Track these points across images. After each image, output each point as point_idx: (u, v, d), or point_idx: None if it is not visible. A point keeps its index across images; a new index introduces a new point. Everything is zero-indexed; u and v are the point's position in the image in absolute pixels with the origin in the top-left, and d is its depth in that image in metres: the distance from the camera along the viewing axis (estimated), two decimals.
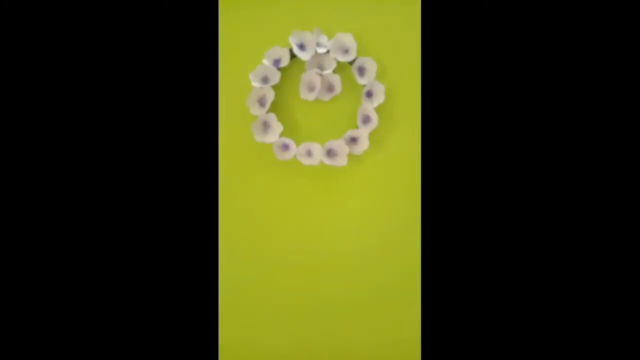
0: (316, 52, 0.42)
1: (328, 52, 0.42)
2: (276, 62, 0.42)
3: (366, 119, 0.42)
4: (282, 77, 0.43)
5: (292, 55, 0.42)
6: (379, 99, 0.42)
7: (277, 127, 0.42)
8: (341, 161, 0.43)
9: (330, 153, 0.43)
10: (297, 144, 0.43)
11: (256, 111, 0.42)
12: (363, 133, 0.42)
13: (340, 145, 0.42)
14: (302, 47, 0.42)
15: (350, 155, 0.43)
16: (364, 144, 0.43)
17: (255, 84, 0.42)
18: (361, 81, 0.43)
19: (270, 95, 0.42)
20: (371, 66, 0.42)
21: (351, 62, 0.43)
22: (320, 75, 0.42)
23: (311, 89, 0.42)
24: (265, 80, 0.42)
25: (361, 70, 0.42)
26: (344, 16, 0.44)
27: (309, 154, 0.43)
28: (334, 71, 0.42)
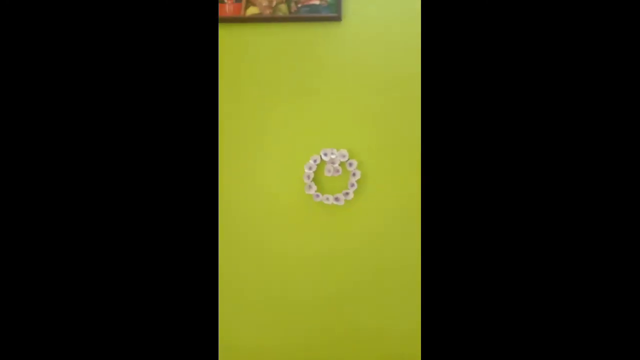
0: (331, 157, 1.01)
1: (335, 156, 1.01)
2: (315, 161, 1.01)
3: (352, 185, 0.99)
4: (317, 167, 1.02)
5: (322, 158, 1.02)
6: (358, 177, 0.99)
7: (314, 187, 1.01)
8: (341, 203, 1.00)
9: (337, 199, 1.00)
10: (322, 194, 1.00)
11: (306, 181, 1.02)
12: (350, 191, 0.99)
13: (340, 196, 1.00)
14: (325, 154, 1.01)
15: (346, 201, 1.00)
16: (351, 196, 0.99)
17: (307, 170, 1.01)
18: (350, 169, 1.00)
19: (312, 175, 1.01)
20: (354, 163, 1.00)
21: (346, 160, 1.01)
22: (333, 165, 1.00)
23: (329, 171, 1.01)
24: (310, 168, 1.02)
25: (350, 164, 1.00)
26: (344, 137, 1.02)
27: (327, 199, 1.00)
28: (339, 164, 1.01)
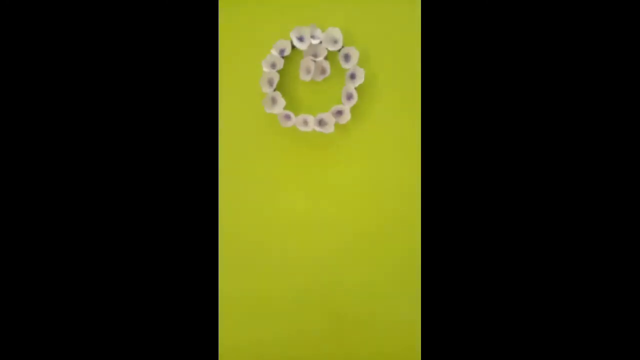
0: (311, 43, 0.54)
1: (321, 42, 0.54)
2: (281, 52, 0.55)
3: (349, 96, 0.54)
4: (285, 63, 0.56)
5: (293, 47, 0.55)
6: (360, 80, 0.53)
7: (282, 102, 0.56)
8: (329, 129, 0.55)
9: (321, 123, 0.55)
10: (296, 115, 0.56)
11: (266, 90, 0.56)
12: (346, 107, 0.54)
13: (328, 116, 0.55)
14: (300, 39, 0.54)
15: (337, 125, 0.55)
16: (347, 116, 0.54)
17: (266, 69, 0.55)
18: (346, 66, 0.54)
19: (277, 78, 0.55)
20: (354, 54, 0.53)
21: (338, 50, 0.54)
22: (314, 61, 0.54)
23: (307, 72, 0.55)
24: (273, 66, 0.55)
25: (346, 57, 0.54)
26: (335, 11, 0.55)
27: (305, 123, 0.55)
28: (325, 58, 0.54)
